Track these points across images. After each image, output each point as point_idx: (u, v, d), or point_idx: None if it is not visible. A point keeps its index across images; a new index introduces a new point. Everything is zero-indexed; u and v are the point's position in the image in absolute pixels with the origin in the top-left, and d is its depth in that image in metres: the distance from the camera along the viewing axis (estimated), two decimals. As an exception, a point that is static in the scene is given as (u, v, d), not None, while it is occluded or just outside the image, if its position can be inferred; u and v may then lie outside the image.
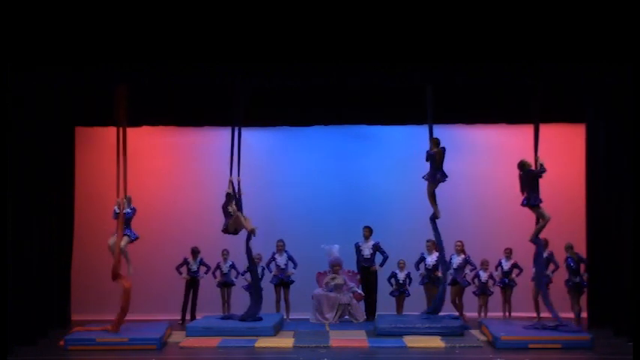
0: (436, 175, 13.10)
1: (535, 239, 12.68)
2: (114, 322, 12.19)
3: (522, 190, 12.58)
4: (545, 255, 14.00)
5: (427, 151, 13.13)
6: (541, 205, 12.53)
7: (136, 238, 12.65)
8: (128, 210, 12.50)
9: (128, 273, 12.44)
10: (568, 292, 13.60)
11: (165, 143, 15.75)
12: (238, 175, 13.39)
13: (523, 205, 12.67)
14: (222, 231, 13.30)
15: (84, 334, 12.10)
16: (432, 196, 13.22)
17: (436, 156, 13.08)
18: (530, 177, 12.47)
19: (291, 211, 15.51)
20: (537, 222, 12.68)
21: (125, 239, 12.42)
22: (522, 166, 12.57)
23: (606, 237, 13.42)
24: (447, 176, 13.12)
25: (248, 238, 13.33)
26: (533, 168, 12.50)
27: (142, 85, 12.85)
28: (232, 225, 13.21)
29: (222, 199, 13.30)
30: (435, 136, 13.13)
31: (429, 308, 13.55)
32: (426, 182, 13.19)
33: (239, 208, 13.32)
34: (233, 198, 13.23)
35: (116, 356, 11.31)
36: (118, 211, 12.36)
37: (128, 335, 11.96)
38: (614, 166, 13.16)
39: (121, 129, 12.56)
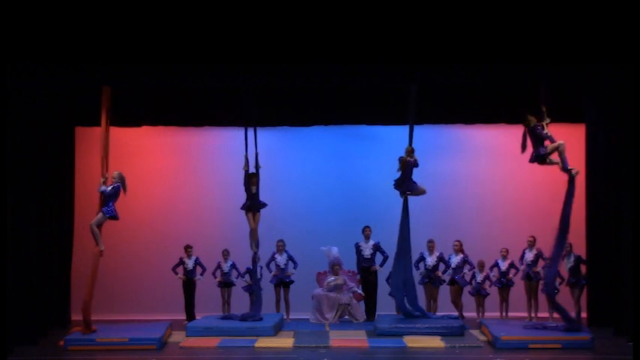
0: (403, 184, 13.09)
1: (565, 168, 12.21)
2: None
3: (523, 146, 12.35)
4: (534, 252, 14.06)
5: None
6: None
7: (113, 217, 12.36)
8: (104, 188, 12.29)
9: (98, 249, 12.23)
10: (570, 291, 13.64)
11: (166, 143, 15.75)
12: (256, 149, 13.27)
13: (531, 161, 12.44)
14: (242, 208, 13.35)
15: (84, 334, 12.09)
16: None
17: (401, 163, 13.05)
18: (536, 133, 12.26)
19: (291, 211, 15.51)
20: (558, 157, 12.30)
21: (99, 216, 12.25)
22: (528, 121, 12.30)
23: (606, 237, 13.43)
24: (409, 191, 13.07)
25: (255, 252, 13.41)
26: (538, 123, 12.25)
27: (142, 85, 12.85)
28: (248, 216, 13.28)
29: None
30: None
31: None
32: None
33: (258, 181, 13.30)
34: (251, 175, 13.23)
35: (116, 356, 11.30)
36: (105, 190, 12.26)
37: (128, 335, 11.96)
38: (614, 166, 13.17)
39: (104, 128, 12.54)
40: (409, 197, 13.21)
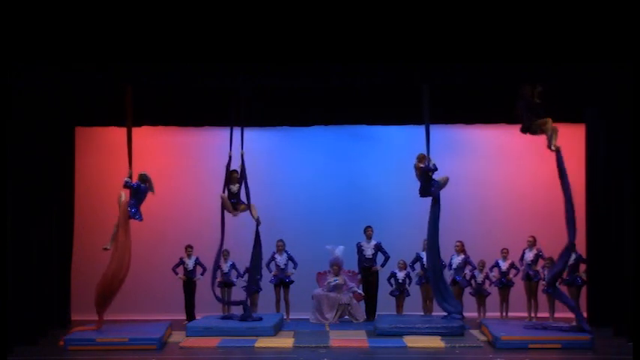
0: (424, 190, 13.09)
1: (552, 146, 12.36)
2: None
3: (521, 119, 12.45)
4: (534, 252, 14.06)
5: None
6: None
7: (137, 218, 12.54)
8: (129, 182, 12.47)
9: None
10: (568, 291, 13.66)
11: (166, 143, 15.75)
12: (242, 149, 13.34)
13: (522, 131, 12.52)
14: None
15: (84, 334, 12.10)
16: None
17: (416, 171, 13.07)
18: (529, 105, 12.36)
19: (291, 211, 15.52)
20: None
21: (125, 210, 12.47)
22: (523, 94, 12.40)
23: (606, 237, 13.43)
24: (425, 195, 13.08)
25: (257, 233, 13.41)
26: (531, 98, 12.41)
27: (142, 85, 12.85)
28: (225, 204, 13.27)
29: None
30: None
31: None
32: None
33: (242, 178, 13.31)
34: (232, 172, 13.28)
35: (116, 356, 11.30)
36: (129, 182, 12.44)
37: (128, 335, 11.96)
38: (614, 166, 13.17)
39: (128, 128, 12.67)
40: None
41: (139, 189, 12.52)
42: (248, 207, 13.42)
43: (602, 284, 13.50)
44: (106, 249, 12.40)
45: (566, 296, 12.67)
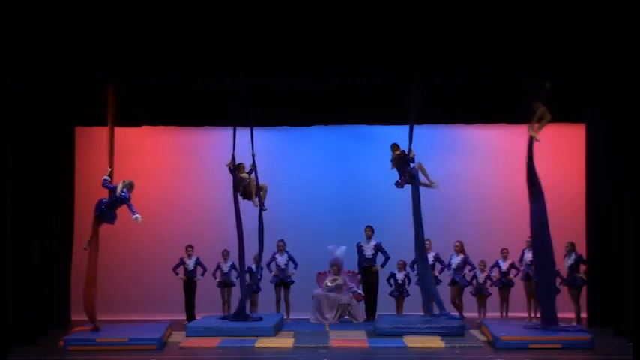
0: (399, 178, 13.23)
1: (536, 133, 12.41)
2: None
3: (529, 102, 12.53)
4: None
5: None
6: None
7: (107, 219, 12.32)
8: (106, 182, 12.24)
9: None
10: (568, 291, 13.66)
11: (166, 143, 15.76)
12: (252, 149, 13.41)
13: (523, 107, 12.61)
14: (241, 196, 13.50)
15: (84, 334, 12.11)
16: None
17: (394, 161, 13.23)
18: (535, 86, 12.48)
19: (292, 211, 15.52)
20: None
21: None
22: (538, 85, 12.50)
23: (606, 237, 13.43)
24: (401, 185, 13.23)
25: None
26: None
27: (142, 85, 12.85)
28: (247, 190, 13.38)
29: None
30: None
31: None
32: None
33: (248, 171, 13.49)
34: (239, 166, 13.37)
35: (116, 356, 11.30)
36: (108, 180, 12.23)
37: (128, 335, 11.96)
38: (614, 166, 13.16)
39: (110, 128, 12.56)
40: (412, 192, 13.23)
41: (114, 192, 12.28)
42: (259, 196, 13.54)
43: (602, 284, 13.49)
44: (85, 248, 12.37)
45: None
